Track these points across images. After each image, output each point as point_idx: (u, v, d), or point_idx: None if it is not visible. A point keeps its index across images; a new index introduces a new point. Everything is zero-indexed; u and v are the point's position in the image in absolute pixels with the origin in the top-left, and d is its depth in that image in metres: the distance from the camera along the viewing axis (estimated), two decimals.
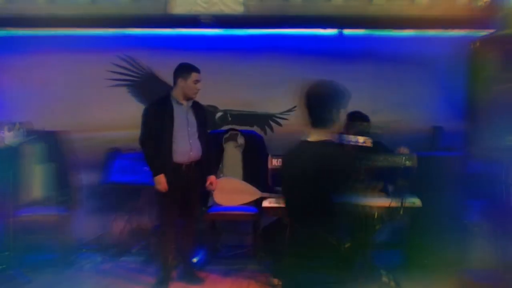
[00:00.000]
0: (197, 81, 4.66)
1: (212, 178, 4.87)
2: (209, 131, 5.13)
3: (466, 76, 4.71)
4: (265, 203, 4.60)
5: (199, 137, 4.73)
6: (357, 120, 4.69)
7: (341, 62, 5.84)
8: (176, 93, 4.70)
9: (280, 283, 4.48)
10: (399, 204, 4.20)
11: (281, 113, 6.14)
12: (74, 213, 5.52)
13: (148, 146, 4.63)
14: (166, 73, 5.83)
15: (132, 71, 6.13)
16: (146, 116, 4.69)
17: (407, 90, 5.87)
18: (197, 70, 4.68)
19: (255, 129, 6.18)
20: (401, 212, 4.20)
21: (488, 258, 4.31)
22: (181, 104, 4.69)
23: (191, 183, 4.71)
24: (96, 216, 5.91)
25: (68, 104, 5.90)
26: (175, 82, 4.71)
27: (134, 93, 6.10)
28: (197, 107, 4.80)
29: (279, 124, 6.18)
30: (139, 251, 5.63)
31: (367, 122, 4.75)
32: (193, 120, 4.72)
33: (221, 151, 5.81)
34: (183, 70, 4.68)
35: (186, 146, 4.65)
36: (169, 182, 4.58)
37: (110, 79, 6.04)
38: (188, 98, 4.71)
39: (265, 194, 5.03)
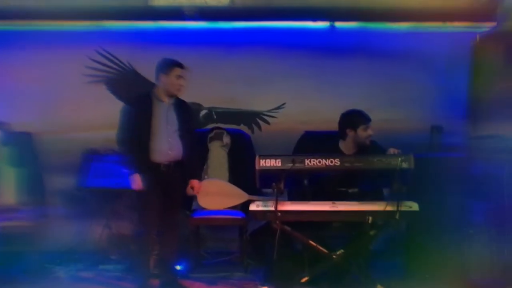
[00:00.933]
0: (179, 77, 4.54)
1: (193, 182, 4.73)
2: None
3: (466, 73, 4.61)
4: (253, 207, 4.44)
5: (181, 136, 4.60)
6: (359, 119, 4.62)
7: (333, 57, 5.81)
8: (158, 90, 4.60)
9: None
10: (395, 208, 4.10)
11: (269, 111, 6.04)
12: (50, 219, 5.43)
13: (125, 144, 4.54)
14: (147, 69, 5.72)
15: (111, 67, 5.98)
16: (124, 112, 4.60)
17: (404, 87, 5.81)
18: (179, 65, 4.56)
19: (242, 127, 6.06)
20: (397, 217, 4.10)
21: (490, 263, 4.21)
22: (162, 101, 4.58)
23: (171, 184, 4.58)
24: (74, 222, 5.77)
25: (42, 103, 5.76)
26: (157, 78, 4.61)
27: (113, 90, 5.96)
28: (180, 105, 4.67)
29: (267, 123, 6.07)
30: (119, 258, 5.48)
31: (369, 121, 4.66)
32: (173, 118, 4.60)
33: (205, 151, 5.69)
34: (165, 65, 4.57)
35: (164, 144, 4.53)
36: (147, 182, 4.47)
37: (88, 75, 5.89)
38: (171, 95, 4.59)
39: (252, 197, 4.96)
